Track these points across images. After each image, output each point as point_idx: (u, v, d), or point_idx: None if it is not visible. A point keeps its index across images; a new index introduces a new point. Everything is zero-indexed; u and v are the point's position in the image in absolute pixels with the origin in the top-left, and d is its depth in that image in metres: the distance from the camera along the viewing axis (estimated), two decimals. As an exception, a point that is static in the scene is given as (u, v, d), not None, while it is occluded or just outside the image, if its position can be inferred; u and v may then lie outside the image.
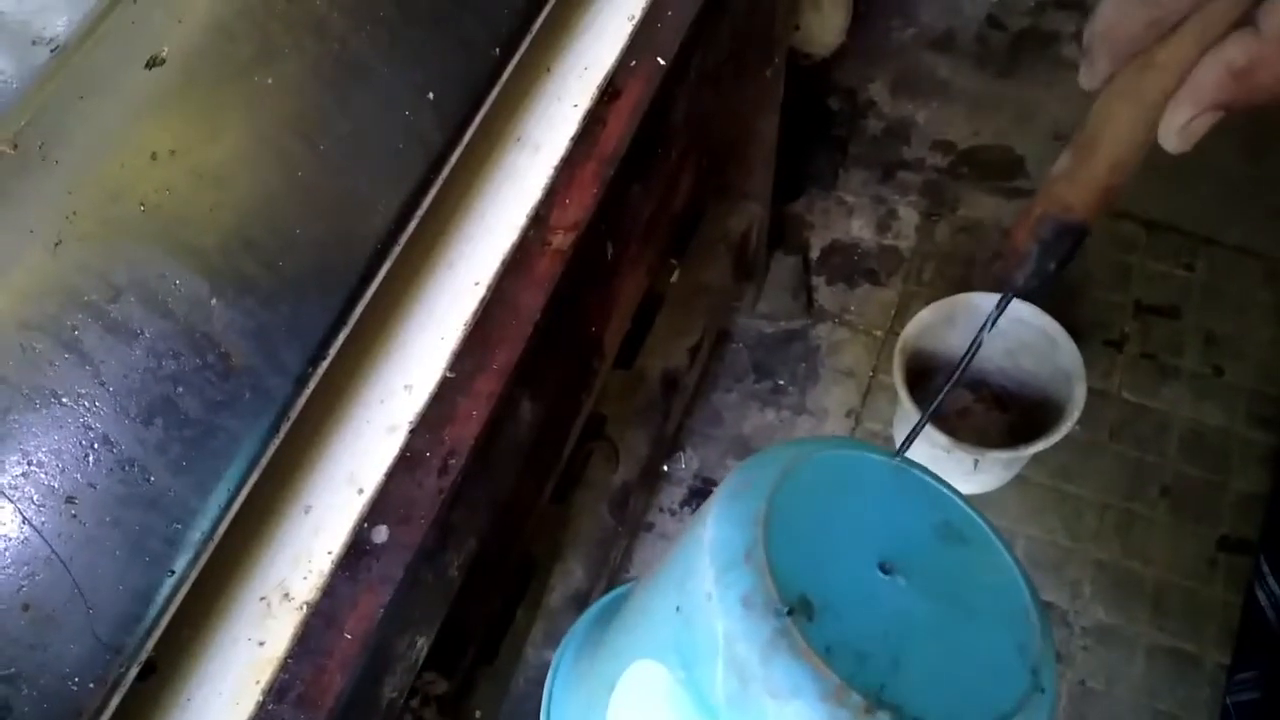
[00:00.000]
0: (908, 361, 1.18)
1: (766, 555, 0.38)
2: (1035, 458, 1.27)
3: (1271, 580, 1.01)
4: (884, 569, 0.41)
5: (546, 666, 1.01)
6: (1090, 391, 1.32)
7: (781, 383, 1.38)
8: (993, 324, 0.44)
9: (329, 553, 0.50)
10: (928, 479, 0.47)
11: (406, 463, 0.52)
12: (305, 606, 0.49)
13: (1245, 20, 0.33)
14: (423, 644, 0.55)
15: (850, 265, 1.44)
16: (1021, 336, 1.20)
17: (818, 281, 1.44)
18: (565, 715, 0.50)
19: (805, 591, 0.37)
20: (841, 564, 0.40)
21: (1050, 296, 1.30)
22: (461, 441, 0.53)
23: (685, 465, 1.34)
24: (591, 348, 1.02)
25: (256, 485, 0.50)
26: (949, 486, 0.47)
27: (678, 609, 0.41)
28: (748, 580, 0.37)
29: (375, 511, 0.51)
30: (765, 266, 1.38)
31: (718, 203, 1.16)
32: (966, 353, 0.45)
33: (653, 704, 0.41)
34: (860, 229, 1.46)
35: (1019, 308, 1.18)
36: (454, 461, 0.52)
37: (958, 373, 0.45)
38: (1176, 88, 0.34)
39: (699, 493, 1.32)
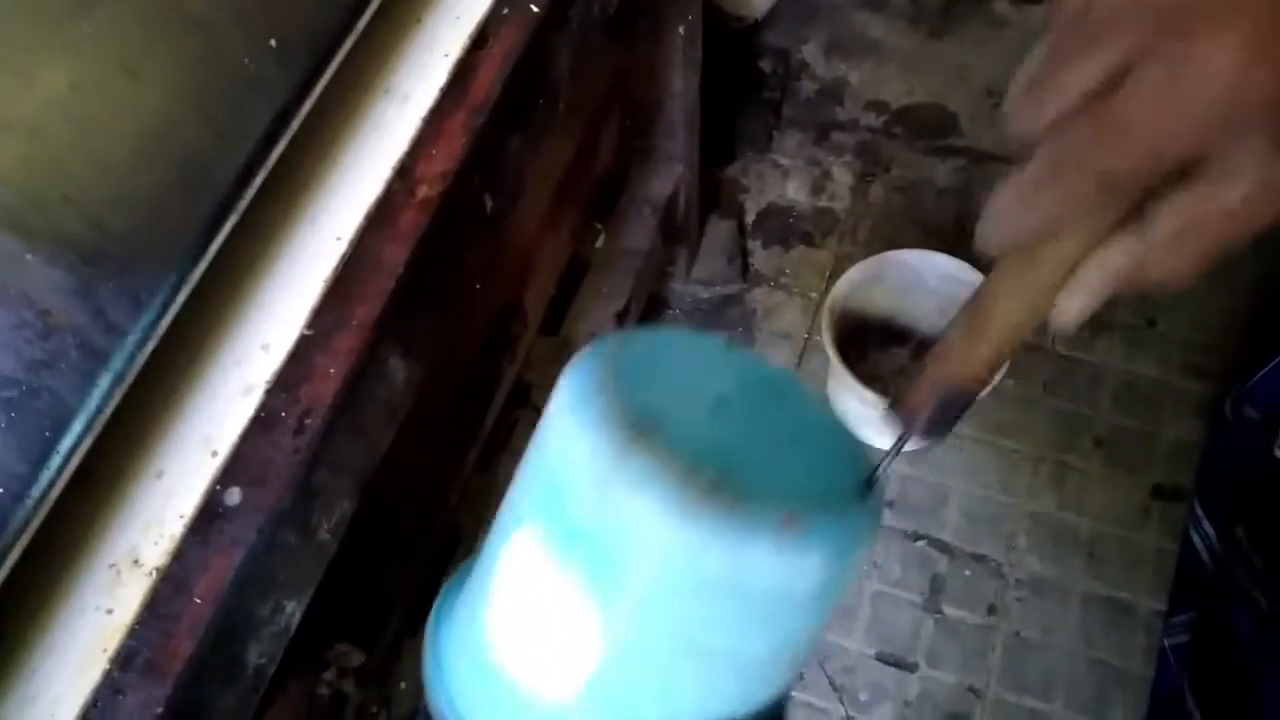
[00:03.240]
0: (838, 321, 1.18)
1: (615, 387, 0.41)
2: (970, 413, 1.27)
3: (1206, 524, 1.02)
4: (717, 406, 0.45)
5: (472, 637, 1.00)
6: (1024, 347, 1.32)
7: (718, 348, 1.37)
8: (890, 462, 0.46)
9: (181, 517, 0.49)
10: (751, 355, 0.51)
11: (262, 423, 0.51)
12: (155, 572, 0.48)
13: (1130, 220, 0.34)
14: (293, 609, 0.54)
15: (785, 228, 1.43)
16: (953, 294, 1.20)
17: (753, 245, 1.42)
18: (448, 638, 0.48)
19: (650, 415, 0.41)
20: (680, 399, 0.44)
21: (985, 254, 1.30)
22: (319, 400, 0.51)
23: (623, 433, 1.33)
24: (509, 312, 1.00)
25: (104, 450, 0.48)
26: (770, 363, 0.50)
27: (540, 467, 0.44)
28: (601, 401, 0.41)
29: (229, 474, 0.50)
30: (699, 231, 1.36)
31: (642, 165, 1.15)
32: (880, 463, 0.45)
33: (526, 575, 0.43)
34: (795, 191, 1.45)
35: (948, 264, 1.18)
36: (310, 421, 0.51)
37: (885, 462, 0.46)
38: (1063, 282, 0.37)
39: (637, 460, 1.31)
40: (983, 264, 1.13)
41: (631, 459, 0.39)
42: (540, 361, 1.09)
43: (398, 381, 0.58)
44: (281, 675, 0.78)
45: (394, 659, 0.96)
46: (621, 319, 1.11)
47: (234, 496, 0.49)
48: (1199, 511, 0.93)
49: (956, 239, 1.29)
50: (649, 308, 1.39)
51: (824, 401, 0.46)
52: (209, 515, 0.49)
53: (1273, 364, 0.86)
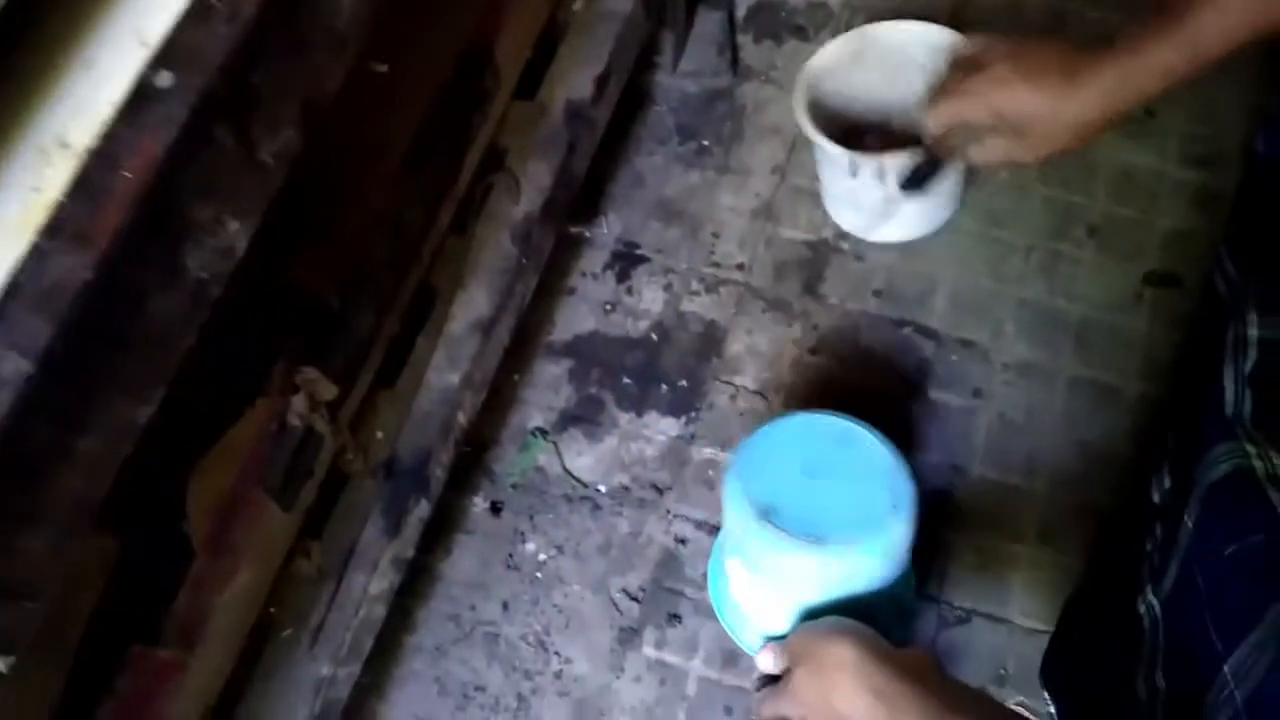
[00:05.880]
0: (823, 113, 1.14)
1: (746, 493, 0.87)
2: (964, 204, 1.25)
3: (1228, 262, 0.98)
4: (807, 466, 0.89)
5: (447, 390, 0.99)
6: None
7: (706, 143, 1.33)
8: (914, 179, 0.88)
9: (110, 102, 0.47)
10: (834, 418, 0.92)
11: (194, 15, 0.48)
12: (84, 153, 0.46)
13: None
14: (237, 230, 0.52)
15: (778, 22, 1.38)
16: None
17: (744, 40, 1.38)
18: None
19: (770, 502, 0.87)
20: (785, 479, 0.88)
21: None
22: (254, -10, 0.49)
23: (608, 230, 1.31)
24: (479, 58, 0.97)
25: (32, 44, 0.46)
26: (848, 418, 0.92)
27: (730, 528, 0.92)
28: (737, 488, 0.88)
29: (160, 60, 0.47)
30: (687, 21, 1.32)
31: (623, -74, 1.10)
32: None
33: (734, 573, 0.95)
34: (788, -16, 1.40)
35: (938, 36, 1.14)
36: (245, 9, 0.48)
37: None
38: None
39: (621, 256, 1.29)
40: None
41: (754, 532, 0.86)
42: (517, 127, 1.06)
43: (343, 6, 0.56)
44: (249, 386, 0.78)
45: (370, 409, 0.95)
46: (601, 85, 1.07)
47: (165, 79, 0.47)
48: (1223, 253, 0.90)
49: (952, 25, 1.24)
50: (635, 104, 1.35)
51: (878, 440, 0.90)
52: (140, 98, 0.47)
53: None
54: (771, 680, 0.73)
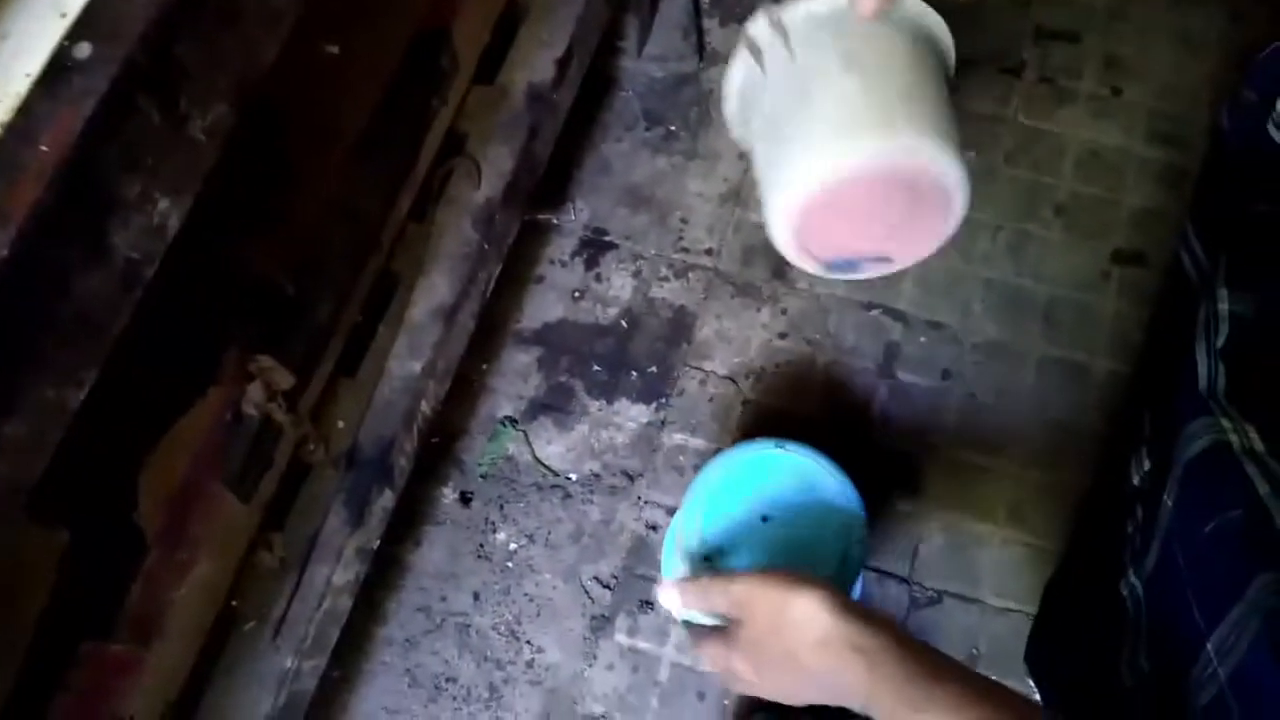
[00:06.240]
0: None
1: (701, 531, 0.85)
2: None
3: (1194, 240, 0.98)
4: (764, 519, 0.86)
5: (409, 378, 0.98)
6: (986, 118, 1.29)
7: (673, 129, 1.32)
8: None
9: (27, 75, 0.46)
10: (799, 455, 0.88)
11: (116, -16, 0.47)
12: (1, 128, 0.45)
13: None
14: (168, 208, 0.51)
15: (744, 4, 1.37)
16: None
17: (710, 24, 1.37)
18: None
19: (719, 544, 0.84)
20: (740, 520, 0.86)
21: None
22: (176, -42, 0.48)
23: (575, 216, 1.30)
24: (435, 38, 0.96)
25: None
26: (812, 454, 0.88)
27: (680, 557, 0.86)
28: (693, 539, 0.85)
29: (78, 31, 0.46)
30: (652, 4, 1.31)
31: (581, -93, 1.09)
32: None
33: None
34: (753, -32, 1.39)
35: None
36: (166, -21, 0.47)
37: None
38: None
39: (590, 243, 1.28)
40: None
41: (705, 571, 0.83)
42: (476, 112, 1.05)
43: (275, -21, 0.54)
44: (198, 374, 0.76)
45: (331, 398, 0.94)
46: (562, 68, 1.06)
47: (83, 50, 0.46)
48: (1189, 231, 0.90)
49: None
50: (601, 89, 1.34)
51: (834, 474, 0.88)
52: (57, 69, 0.45)
53: (1276, 44, 0.82)
54: (707, 630, 0.66)
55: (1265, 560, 0.56)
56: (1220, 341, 0.70)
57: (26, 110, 0.45)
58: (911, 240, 0.68)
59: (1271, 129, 0.78)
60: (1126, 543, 0.77)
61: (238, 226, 0.70)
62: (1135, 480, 0.83)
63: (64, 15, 0.47)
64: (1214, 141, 0.92)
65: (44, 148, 0.44)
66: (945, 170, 0.62)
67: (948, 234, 0.67)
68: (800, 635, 0.58)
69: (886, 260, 0.70)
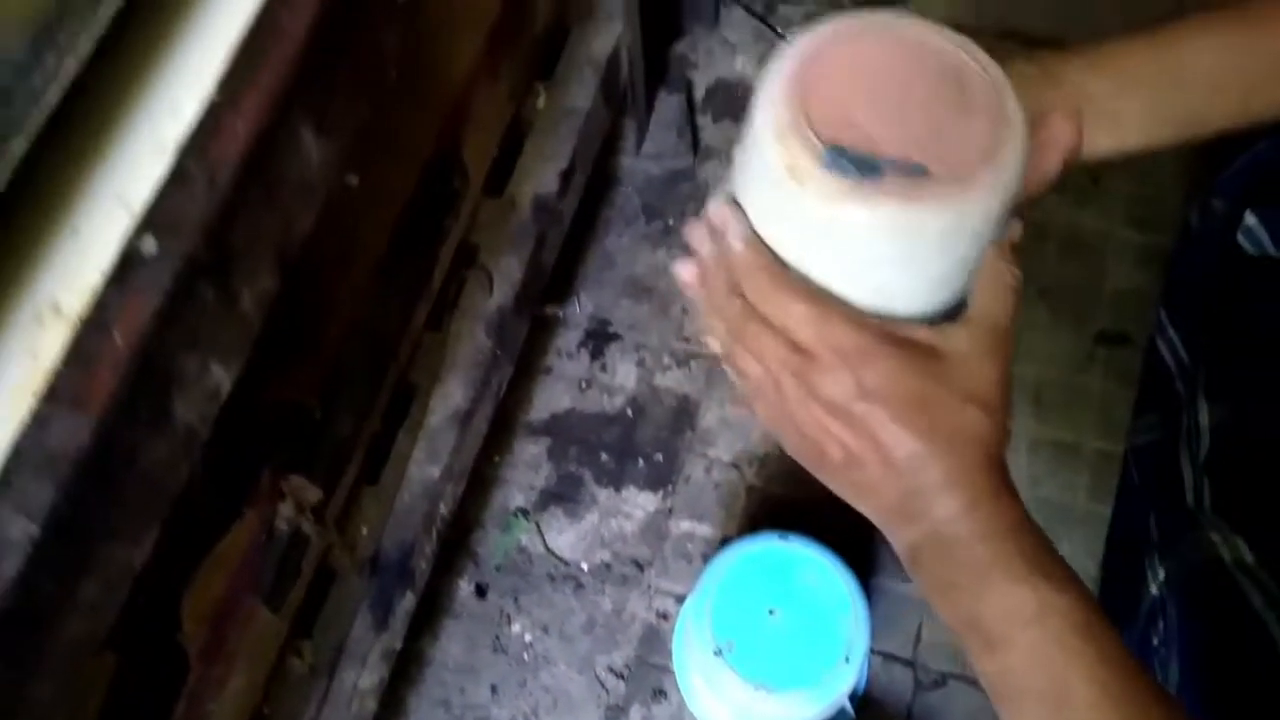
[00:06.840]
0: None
1: (711, 625, 0.96)
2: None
3: (1170, 330, 1.02)
4: (770, 612, 0.96)
5: (429, 483, 1.02)
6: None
7: (671, 223, 1.38)
8: None
9: (99, 269, 0.50)
10: (801, 548, 0.98)
11: (175, 180, 0.52)
12: (76, 319, 0.49)
13: None
14: (222, 375, 0.56)
15: (735, 103, 1.43)
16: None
17: (704, 121, 1.43)
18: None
19: (729, 638, 0.95)
20: (751, 616, 0.96)
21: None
22: (229, 157, 0.53)
23: (580, 309, 1.35)
24: (446, 162, 1.01)
25: (16, 210, 0.50)
26: (814, 546, 0.99)
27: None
28: (705, 633, 0.96)
29: (144, 227, 0.51)
30: (647, 106, 1.37)
31: (582, 24, 1.15)
32: None
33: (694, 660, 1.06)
34: (744, 66, 1.45)
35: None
36: (221, 177, 0.52)
37: None
38: None
39: (595, 334, 1.33)
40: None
41: (712, 663, 0.95)
42: (487, 224, 1.10)
43: (311, 158, 0.60)
44: (237, 501, 0.81)
45: (354, 506, 0.98)
46: (566, 179, 1.12)
47: (149, 245, 0.50)
48: (1164, 319, 0.94)
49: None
50: (602, 186, 1.40)
51: (837, 582, 0.97)
52: (127, 265, 0.50)
53: (1245, 156, 0.87)
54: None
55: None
56: (1203, 455, 0.73)
57: (101, 303, 0.49)
58: (956, 150, 0.46)
59: (1241, 239, 0.83)
60: (1154, 655, 0.77)
61: (274, 365, 0.75)
62: (1154, 590, 0.84)
63: (129, 211, 0.52)
64: (1183, 236, 0.96)
65: (118, 339, 0.49)
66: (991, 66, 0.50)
67: (1000, 154, 0.46)
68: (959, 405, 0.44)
69: (920, 171, 0.45)
